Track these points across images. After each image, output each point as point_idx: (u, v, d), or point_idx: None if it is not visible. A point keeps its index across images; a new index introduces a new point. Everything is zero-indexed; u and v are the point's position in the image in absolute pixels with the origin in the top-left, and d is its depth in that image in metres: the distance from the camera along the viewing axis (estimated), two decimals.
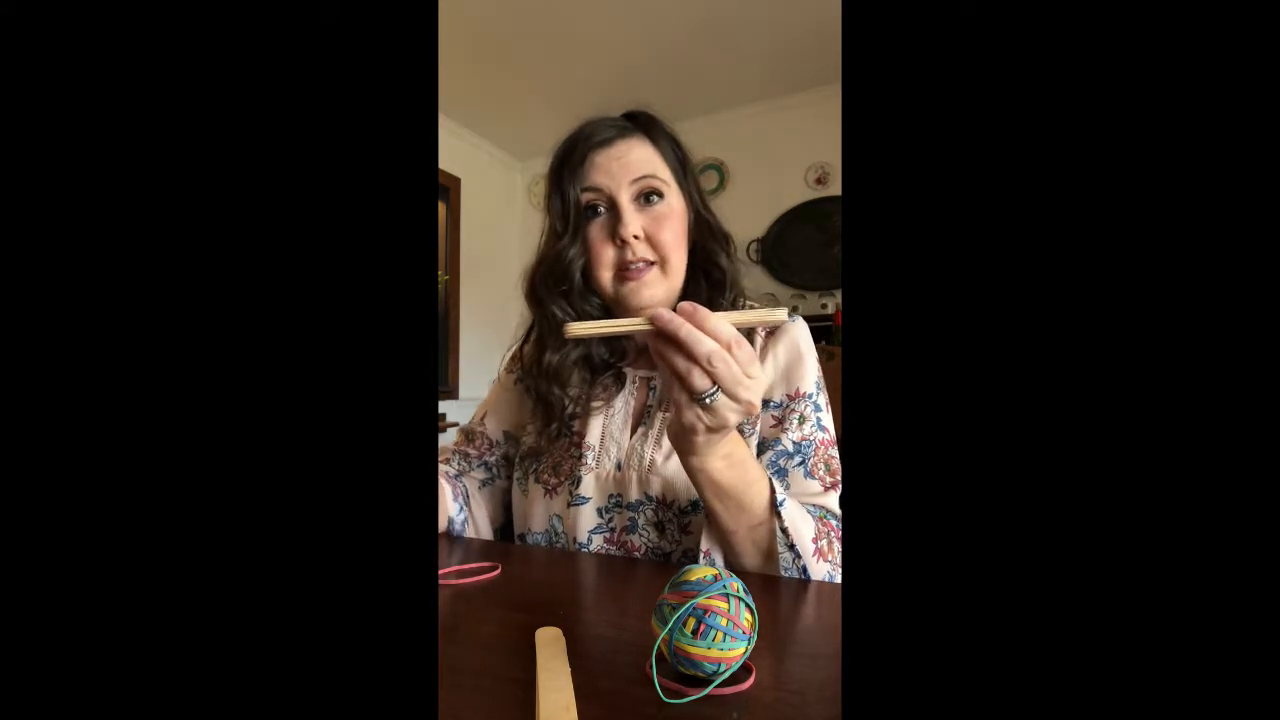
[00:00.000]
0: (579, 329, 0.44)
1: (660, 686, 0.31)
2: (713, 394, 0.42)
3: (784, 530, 0.51)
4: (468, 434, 0.77)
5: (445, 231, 3.23)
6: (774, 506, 0.51)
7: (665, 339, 0.42)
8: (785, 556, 0.52)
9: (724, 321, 0.41)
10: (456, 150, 3.23)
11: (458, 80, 2.73)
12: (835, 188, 2.91)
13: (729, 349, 0.41)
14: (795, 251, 2.95)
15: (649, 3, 2.27)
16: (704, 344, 0.40)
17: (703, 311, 0.41)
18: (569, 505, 0.64)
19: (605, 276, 0.63)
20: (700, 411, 0.43)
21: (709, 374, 0.41)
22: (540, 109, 3.04)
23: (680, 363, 0.41)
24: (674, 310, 0.41)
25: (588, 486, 0.64)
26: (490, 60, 2.62)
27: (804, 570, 0.52)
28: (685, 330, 0.41)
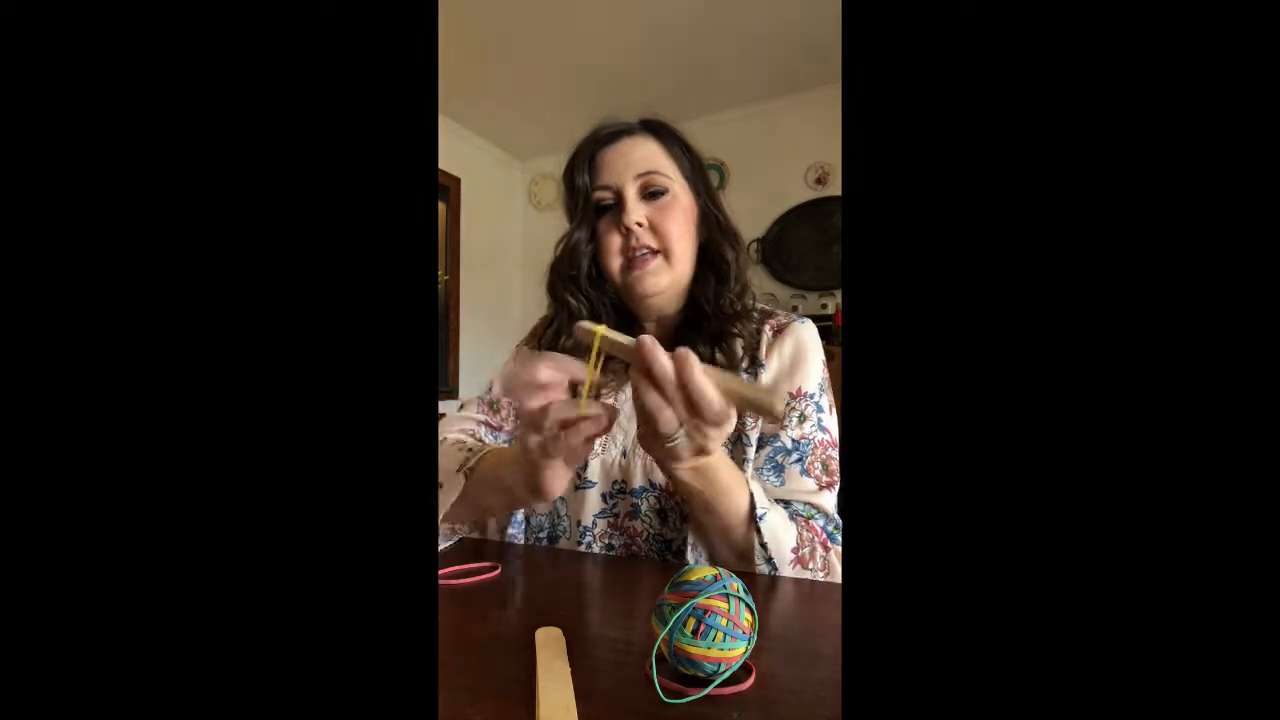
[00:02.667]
0: (588, 325, 0.43)
1: (660, 686, 0.31)
2: (675, 439, 0.42)
3: (763, 545, 0.53)
4: (491, 404, 0.75)
5: (445, 231, 3.23)
6: (754, 520, 0.53)
7: (646, 372, 0.40)
8: (762, 567, 0.54)
9: (709, 386, 0.39)
10: (456, 150, 3.23)
11: (458, 80, 2.73)
12: (835, 188, 2.91)
13: (703, 413, 0.40)
14: (795, 251, 2.95)
15: (649, 3, 2.27)
16: (669, 385, 0.39)
17: (694, 364, 0.39)
18: (574, 488, 0.66)
19: (614, 265, 0.66)
20: (660, 447, 0.44)
21: (676, 417, 0.41)
22: (540, 109, 3.04)
23: (652, 400, 0.41)
24: (672, 351, 0.40)
25: (593, 471, 0.65)
26: (490, 60, 2.62)
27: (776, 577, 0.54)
28: (664, 363, 0.39)
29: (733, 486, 0.52)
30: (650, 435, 0.43)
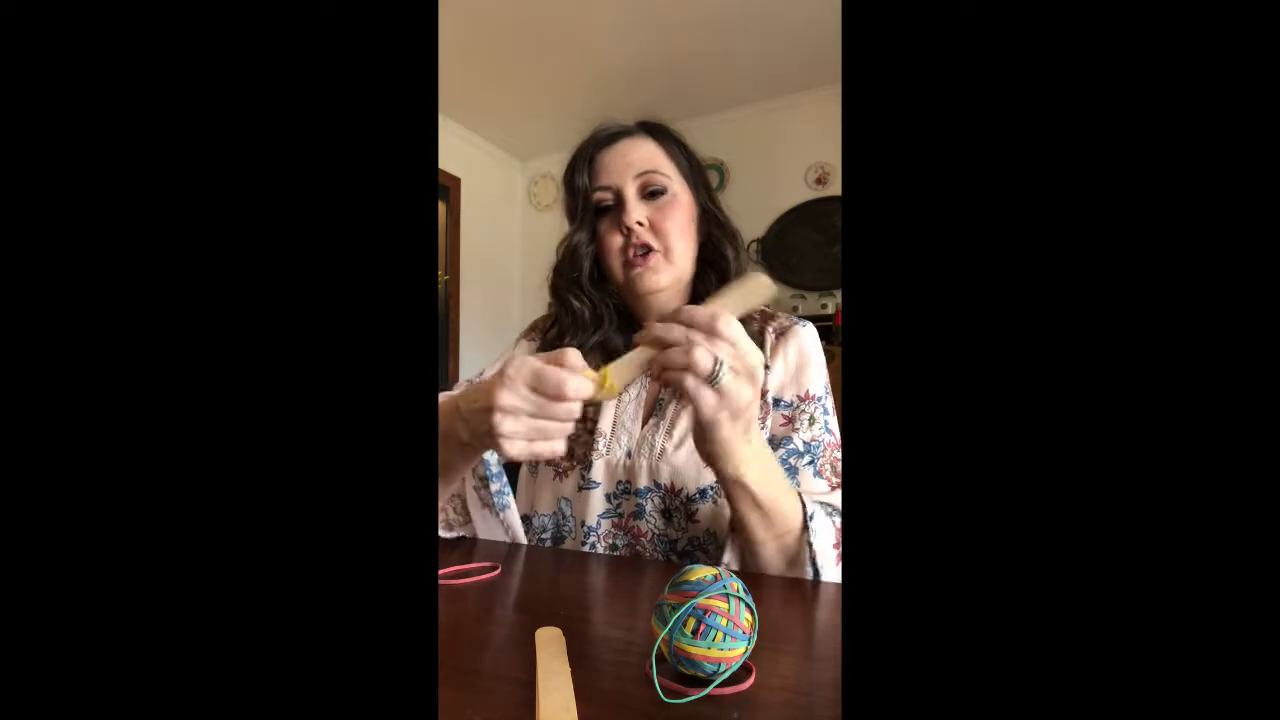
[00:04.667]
0: (592, 376, 0.44)
1: (660, 686, 0.31)
2: (720, 371, 0.42)
3: (810, 544, 0.51)
4: None
5: (445, 231, 3.23)
6: (805, 521, 0.52)
7: (660, 345, 0.44)
8: (808, 569, 0.52)
9: (698, 309, 0.44)
10: (456, 150, 3.23)
11: (458, 80, 2.73)
12: (835, 188, 2.91)
13: (712, 326, 0.43)
14: (795, 251, 2.95)
15: (649, 3, 2.27)
16: (676, 330, 0.43)
17: (681, 308, 0.44)
18: (579, 489, 0.66)
19: (615, 264, 0.67)
20: (717, 399, 0.44)
21: (708, 350, 0.42)
22: (540, 109, 3.04)
23: (677, 355, 0.43)
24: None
25: (598, 471, 0.65)
26: (490, 60, 2.62)
27: (819, 575, 0.53)
28: (661, 325, 0.44)
29: (787, 487, 0.52)
30: (701, 397, 0.44)
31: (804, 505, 0.52)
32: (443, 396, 0.58)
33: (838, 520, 0.57)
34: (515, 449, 0.43)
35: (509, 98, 2.94)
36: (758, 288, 0.47)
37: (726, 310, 0.44)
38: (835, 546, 0.53)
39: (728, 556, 0.55)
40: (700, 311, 0.43)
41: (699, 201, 0.70)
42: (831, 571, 0.53)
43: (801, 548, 0.52)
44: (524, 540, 0.65)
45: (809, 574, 0.52)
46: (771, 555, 0.53)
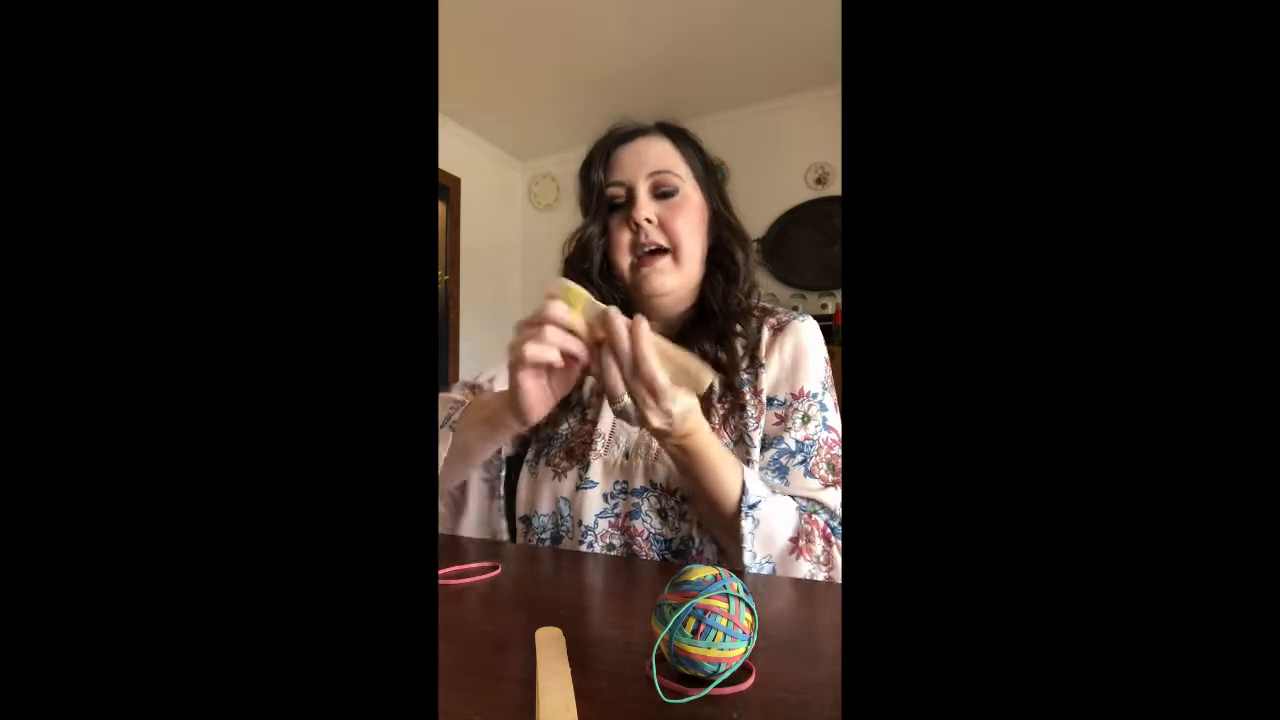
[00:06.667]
0: (579, 300, 0.49)
1: (660, 686, 0.31)
2: (620, 403, 0.47)
3: (750, 531, 0.54)
4: (473, 388, 0.76)
5: (445, 231, 3.23)
6: (739, 510, 0.53)
7: (607, 338, 0.47)
8: (749, 556, 0.54)
9: (652, 353, 0.45)
10: (456, 150, 3.23)
11: (458, 80, 2.73)
12: (835, 188, 2.91)
13: (639, 371, 0.46)
14: (795, 251, 2.95)
15: (650, 3, 2.27)
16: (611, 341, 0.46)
17: (645, 329, 0.46)
18: (577, 489, 0.66)
19: (623, 261, 0.68)
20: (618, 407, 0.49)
21: (622, 381, 0.46)
22: (540, 109, 3.04)
23: (606, 363, 0.47)
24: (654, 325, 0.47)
25: (595, 471, 0.66)
26: (490, 60, 2.62)
27: (773, 570, 0.54)
28: (612, 325, 0.45)
29: (717, 465, 0.53)
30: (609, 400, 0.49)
31: (745, 486, 0.54)
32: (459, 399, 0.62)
33: (822, 518, 0.58)
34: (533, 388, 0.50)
35: (509, 98, 2.94)
36: (697, 376, 0.48)
37: (666, 364, 0.46)
38: (792, 540, 0.55)
39: (695, 536, 0.58)
40: (648, 356, 0.45)
41: (710, 204, 0.71)
42: (790, 568, 0.54)
43: (736, 524, 0.54)
44: (505, 537, 0.67)
45: (749, 560, 0.54)
46: (713, 525, 0.57)
